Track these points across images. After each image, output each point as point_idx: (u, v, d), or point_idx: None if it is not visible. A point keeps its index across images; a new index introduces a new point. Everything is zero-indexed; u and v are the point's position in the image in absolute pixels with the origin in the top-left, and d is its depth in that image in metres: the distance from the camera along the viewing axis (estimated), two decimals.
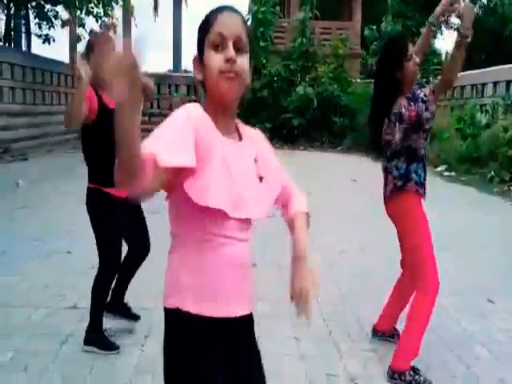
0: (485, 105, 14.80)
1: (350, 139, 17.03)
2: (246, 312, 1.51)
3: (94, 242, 3.73)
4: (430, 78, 17.30)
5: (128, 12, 18.03)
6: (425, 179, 3.08)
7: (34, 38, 17.97)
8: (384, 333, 3.53)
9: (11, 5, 16.10)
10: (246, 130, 1.56)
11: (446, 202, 8.68)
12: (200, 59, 1.42)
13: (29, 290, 4.21)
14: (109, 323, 3.48)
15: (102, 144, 3.02)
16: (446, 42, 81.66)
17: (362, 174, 11.56)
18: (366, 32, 22.99)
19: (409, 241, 3.11)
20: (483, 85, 15.62)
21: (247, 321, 1.55)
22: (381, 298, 4.20)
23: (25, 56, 15.07)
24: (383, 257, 5.40)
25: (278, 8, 19.96)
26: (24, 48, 18.04)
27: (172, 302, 1.43)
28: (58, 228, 6.17)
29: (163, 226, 5.94)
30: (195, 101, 19.94)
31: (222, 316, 1.43)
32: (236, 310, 1.47)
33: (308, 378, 3.04)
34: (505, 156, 10.52)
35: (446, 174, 11.87)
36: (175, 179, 1.30)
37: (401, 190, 3.04)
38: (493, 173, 10.59)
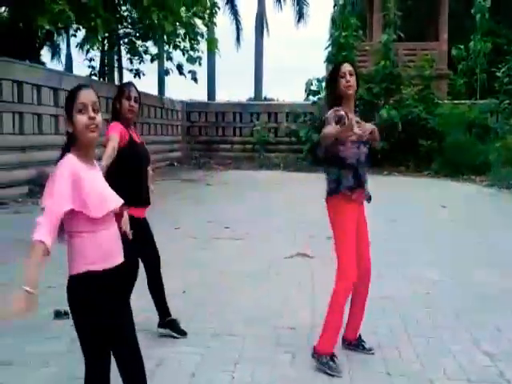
0: None
1: (438, 163, 16.40)
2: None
3: None
4: None
5: (212, 44, 18.64)
6: (357, 185, 3.47)
7: (125, 73, 19.06)
8: (350, 342, 3.67)
9: (105, 42, 17.21)
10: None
11: None
12: (69, 119, 2.19)
13: None
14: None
15: (125, 168, 3.57)
16: None
17: (453, 200, 11.08)
18: (454, 51, 22.29)
19: (334, 237, 3.56)
20: None
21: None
22: (476, 332, 3.96)
23: (116, 89, 15.96)
24: (475, 287, 5.10)
25: (360, 32, 19.86)
26: (116, 82, 19.17)
27: None
28: None
29: (248, 252, 6.02)
30: (276, 128, 20.08)
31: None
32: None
33: None
34: None
35: None
36: None
37: (331, 193, 3.51)
38: None
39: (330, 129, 3.36)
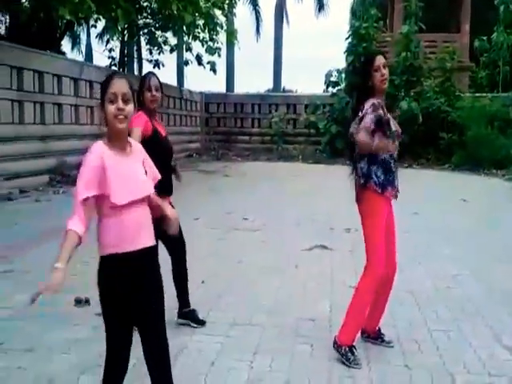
0: None
1: (458, 156, 16.20)
2: None
3: None
4: None
5: (231, 36, 18.57)
6: (387, 181, 3.40)
7: (144, 63, 19.11)
8: (369, 334, 3.64)
9: (125, 32, 17.25)
10: (133, 144, 2.40)
11: None
12: (102, 108, 2.26)
13: None
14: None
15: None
16: None
17: (473, 194, 10.94)
18: (477, 43, 21.93)
19: (364, 231, 3.48)
20: None
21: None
22: (497, 326, 3.91)
23: (137, 80, 16.00)
24: (496, 282, 5.05)
25: (381, 22, 19.64)
26: (136, 72, 19.23)
27: None
28: None
29: (267, 243, 6.01)
30: (294, 119, 20.00)
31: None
32: None
33: None
34: None
35: None
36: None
37: (363, 188, 3.43)
38: None
39: (367, 140, 3.32)
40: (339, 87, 19.53)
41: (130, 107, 2.26)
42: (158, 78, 3.79)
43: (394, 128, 3.43)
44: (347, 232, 7.03)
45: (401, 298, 4.38)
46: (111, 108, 2.22)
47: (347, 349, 3.35)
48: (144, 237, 2.31)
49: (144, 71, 18.81)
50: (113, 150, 2.26)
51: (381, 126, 3.34)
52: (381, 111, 3.37)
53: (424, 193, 10.84)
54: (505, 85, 20.50)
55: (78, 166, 2.26)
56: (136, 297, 2.27)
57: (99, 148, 2.25)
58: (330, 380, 3.12)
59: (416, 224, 7.52)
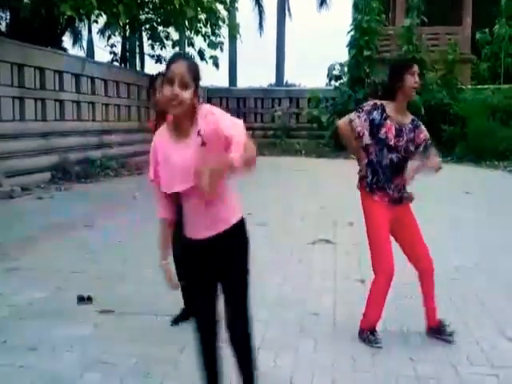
0: None
1: (461, 148, 16.16)
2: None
3: None
4: None
5: (234, 30, 18.53)
6: (376, 185, 3.46)
7: (146, 58, 19.08)
8: (431, 327, 3.61)
9: (127, 27, 17.22)
10: (204, 114, 2.19)
11: None
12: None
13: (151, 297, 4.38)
14: None
15: None
16: None
17: (476, 185, 10.91)
18: (478, 36, 21.82)
19: (366, 231, 3.56)
20: None
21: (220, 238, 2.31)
22: (500, 318, 3.90)
23: (139, 76, 16.02)
24: (500, 274, 5.04)
25: (383, 16, 19.57)
26: (138, 68, 19.20)
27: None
28: None
29: (271, 238, 5.99)
30: (297, 114, 19.88)
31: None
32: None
33: None
34: None
35: None
36: None
37: (360, 185, 3.56)
38: None
39: (347, 127, 3.43)
40: (342, 81, 19.49)
41: (187, 94, 2.13)
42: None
43: (383, 136, 3.40)
44: (350, 225, 7.01)
45: (404, 290, 4.37)
46: (166, 90, 2.12)
47: (369, 333, 3.52)
48: (203, 228, 2.29)
49: (146, 66, 18.83)
50: (170, 135, 2.24)
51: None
52: (375, 114, 3.38)
53: (426, 185, 10.81)
54: (506, 77, 20.42)
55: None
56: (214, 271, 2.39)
57: (156, 136, 2.30)
58: (334, 374, 3.12)
59: (418, 216, 7.48)
